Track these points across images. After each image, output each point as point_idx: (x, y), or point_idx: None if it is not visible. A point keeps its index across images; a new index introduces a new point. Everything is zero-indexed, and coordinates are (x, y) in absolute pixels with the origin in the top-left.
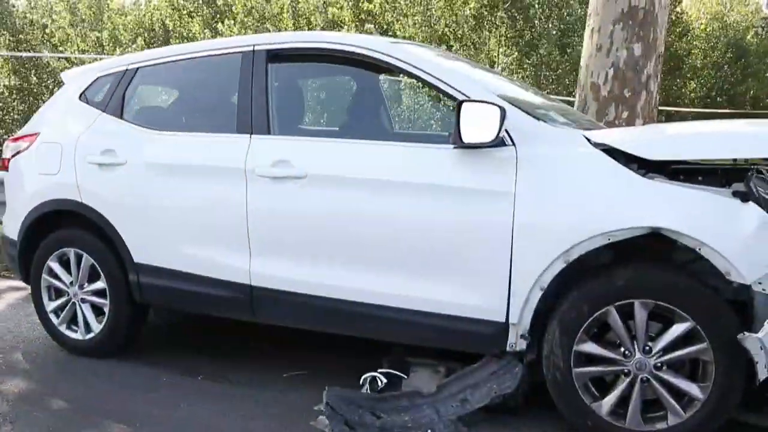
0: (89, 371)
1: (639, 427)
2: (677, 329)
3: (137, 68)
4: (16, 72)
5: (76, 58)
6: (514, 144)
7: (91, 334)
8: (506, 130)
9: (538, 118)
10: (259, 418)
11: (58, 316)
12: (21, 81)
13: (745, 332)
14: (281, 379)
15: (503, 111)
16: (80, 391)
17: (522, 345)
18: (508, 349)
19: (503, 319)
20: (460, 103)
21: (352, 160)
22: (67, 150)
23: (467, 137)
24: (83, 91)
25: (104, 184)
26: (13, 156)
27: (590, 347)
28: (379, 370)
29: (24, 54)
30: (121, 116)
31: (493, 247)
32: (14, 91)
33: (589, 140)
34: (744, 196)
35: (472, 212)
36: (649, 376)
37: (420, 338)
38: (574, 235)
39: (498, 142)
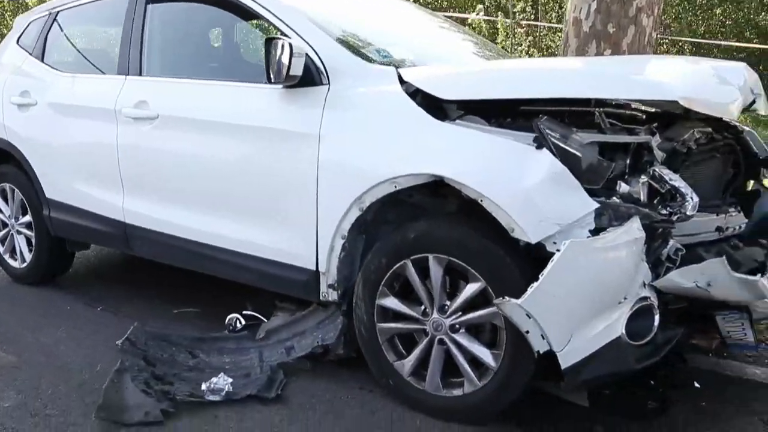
0: (14, 297)
1: (437, 391)
2: (470, 289)
3: (58, 11)
4: None
5: None
6: (329, 82)
7: (25, 264)
8: (324, 68)
9: (366, 57)
10: (108, 348)
11: (3, 245)
12: None
13: (505, 296)
14: (170, 314)
15: (291, 48)
16: None
17: (333, 295)
18: (321, 298)
19: (314, 267)
20: (267, 40)
21: (193, 100)
22: None
23: (272, 75)
24: (20, 35)
25: (22, 123)
26: None
27: (391, 302)
28: (244, 312)
29: None
30: (42, 59)
31: (301, 192)
32: None
33: (401, 78)
34: (540, 143)
35: (284, 155)
36: (445, 338)
37: (253, 281)
38: (365, 181)
39: (314, 80)
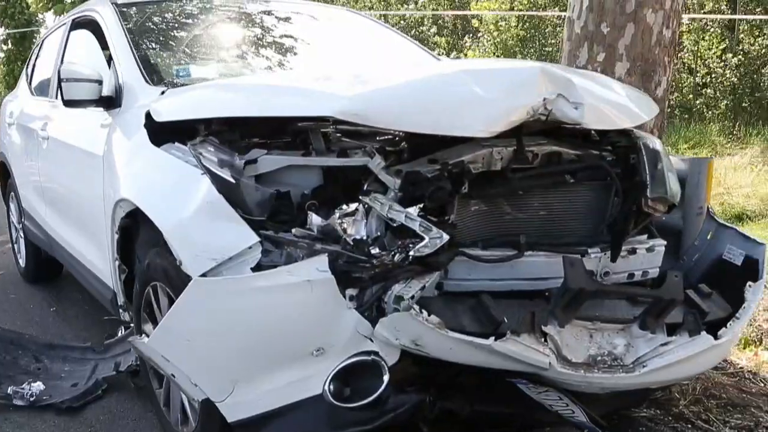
0: (6, 291)
1: (176, 426)
2: None
3: (43, 40)
4: None
5: None
6: (120, 104)
7: (24, 264)
8: (121, 89)
9: (158, 78)
10: None
11: (17, 246)
12: None
13: (143, 335)
14: (99, 320)
15: (59, 74)
16: None
17: (126, 316)
18: (122, 318)
19: (112, 286)
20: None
21: (64, 122)
22: (1, 112)
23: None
24: (27, 63)
25: (8, 140)
26: None
27: (149, 329)
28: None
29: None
30: (29, 84)
31: (97, 212)
32: None
33: None
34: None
35: (87, 175)
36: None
37: (96, 295)
38: (110, 204)
39: (115, 102)
